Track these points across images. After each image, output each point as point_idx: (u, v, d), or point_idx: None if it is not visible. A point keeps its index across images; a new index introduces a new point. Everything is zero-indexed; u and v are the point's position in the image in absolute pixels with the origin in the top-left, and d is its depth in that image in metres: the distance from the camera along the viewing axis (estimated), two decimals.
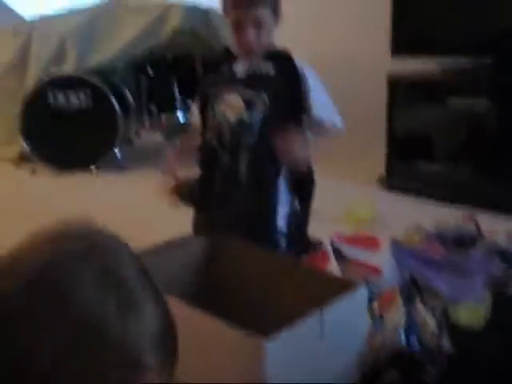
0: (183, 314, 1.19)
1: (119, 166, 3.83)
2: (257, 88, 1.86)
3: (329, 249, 1.73)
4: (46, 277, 0.58)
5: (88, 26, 3.82)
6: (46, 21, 3.96)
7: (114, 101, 3.67)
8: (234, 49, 1.97)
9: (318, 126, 1.94)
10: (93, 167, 3.75)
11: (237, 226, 1.81)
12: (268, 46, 1.91)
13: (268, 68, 1.89)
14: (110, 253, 0.63)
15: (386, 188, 3.19)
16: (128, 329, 0.58)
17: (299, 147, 1.76)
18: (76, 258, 0.60)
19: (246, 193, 1.88)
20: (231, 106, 1.86)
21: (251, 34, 1.82)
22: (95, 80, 3.67)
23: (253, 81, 1.89)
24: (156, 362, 0.60)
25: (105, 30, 3.81)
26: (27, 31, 3.94)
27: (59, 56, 3.82)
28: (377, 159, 3.35)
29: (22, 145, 3.90)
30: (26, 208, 3.10)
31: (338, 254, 1.71)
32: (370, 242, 1.79)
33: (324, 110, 1.94)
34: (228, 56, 1.97)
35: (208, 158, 1.96)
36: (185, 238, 1.68)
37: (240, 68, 1.90)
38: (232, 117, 1.85)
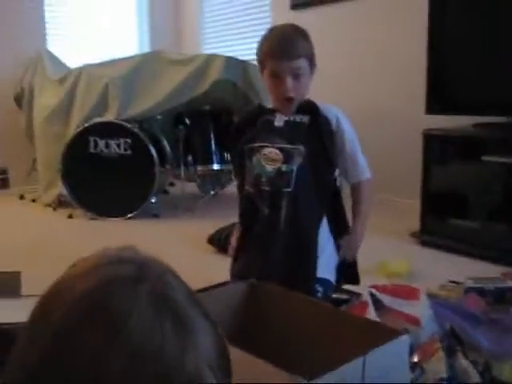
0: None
1: (153, 214, 3.89)
2: (294, 139, 1.91)
3: (368, 298, 1.71)
4: (97, 302, 0.57)
5: (130, 76, 3.95)
6: (90, 70, 4.11)
7: (152, 150, 3.75)
8: (269, 103, 2.05)
9: (353, 168, 2.00)
10: (129, 215, 3.81)
11: (275, 275, 1.83)
12: (305, 95, 1.96)
13: (303, 119, 1.94)
14: (161, 277, 0.61)
15: (419, 243, 3.17)
16: (186, 353, 0.57)
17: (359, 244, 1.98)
18: (128, 283, 0.59)
19: (285, 241, 1.90)
20: (270, 158, 1.90)
21: (290, 83, 1.87)
22: (135, 129, 3.78)
23: (290, 132, 1.93)
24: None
25: (146, 81, 3.94)
26: (73, 79, 4.11)
27: (102, 104, 3.96)
28: (411, 214, 3.35)
29: (61, 189, 3.99)
30: (59, 251, 3.15)
31: (377, 303, 1.70)
32: (410, 293, 1.77)
33: (358, 152, 2.00)
34: (263, 110, 2.04)
35: (247, 209, 2.00)
36: (224, 283, 1.69)
37: (277, 119, 1.96)
38: (270, 168, 1.90)
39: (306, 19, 4.34)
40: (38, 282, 2.81)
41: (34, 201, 4.46)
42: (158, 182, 3.82)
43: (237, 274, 1.98)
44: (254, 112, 2.08)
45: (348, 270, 2.07)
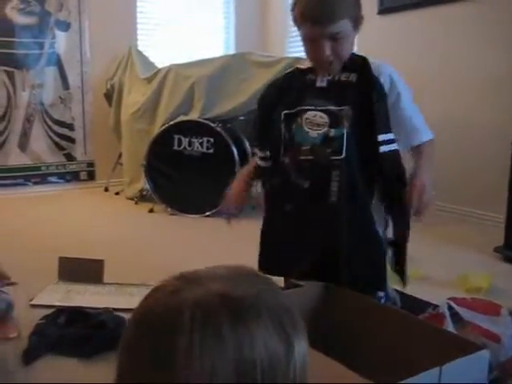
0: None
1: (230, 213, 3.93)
2: (340, 100, 1.69)
3: (445, 310, 1.67)
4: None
5: (216, 76, 4.02)
6: (177, 69, 4.21)
7: (234, 150, 3.81)
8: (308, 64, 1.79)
9: (411, 132, 1.78)
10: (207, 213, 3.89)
11: (331, 252, 1.67)
12: (347, 56, 1.72)
13: (349, 77, 1.71)
14: (277, 295, 0.64)
15: (502, 259, 3.05)
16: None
17: (428, 193, 1.62)
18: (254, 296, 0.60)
19: (338, 215, 1.68)
20: (314, 123, 1.69)
21: (327, 48, 1.63)
22: (218, 128, 3.84)
23: (335, 92, 1.71)
24: None
25: (232, 81, 4.00)
26: (161, 78, 4.24)
27: (187, 103, 4.06)
28: (496, 228, 3.23)
29: (144, 184, 4.12)
30: (139, 243, 3.26)
31: (455, 316, 1.65)
32: (490, 308, 1.71)
33: (415, 115, 1.79)
34: (301, 71, 1.79)
35: (279, 183, 1.78)
36: (298, 285, 1.69)
37: (319, 79, 1.73)
38: (315, 134, 1.69)
39: (393, 24, 4.28)
40: (118, 270, 2.94)
41: (117, 194, 4.64)
42: None
43: (273, 266, 1.77)
44: (291, 74, 1.82)
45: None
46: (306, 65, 1.79)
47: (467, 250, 3.12)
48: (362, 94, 1.68)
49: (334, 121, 1.67)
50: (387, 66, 1.78)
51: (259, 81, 3.88)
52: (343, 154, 1.66)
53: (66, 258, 2.57)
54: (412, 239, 1.78)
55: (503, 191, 3.09)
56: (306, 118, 1.69)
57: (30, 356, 1.81)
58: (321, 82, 1.72)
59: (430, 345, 1.28)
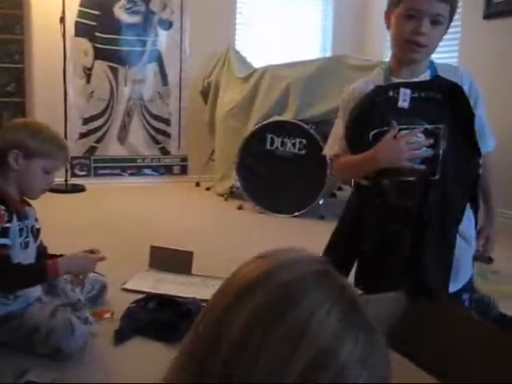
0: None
1: (319, 216, 3.93)
2: (432, 117, 1.65)
3: None
4: (291, 296, 0.56)
5: (312, 78, 4.02)
6: (274, 70, 4.26)
7: None
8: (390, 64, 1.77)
9: (484, 137, 1.75)
10: (296, 213, 3.90)
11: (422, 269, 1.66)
12: (433, 50, 1.70)
13: (436, 95, 1.66)
14: (343, 280, 0.60)
15: None
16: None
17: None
18: (316, 277, 0.58)
19: (431, 236, 1.67)
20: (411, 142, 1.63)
21: (427, 26, 1.60)
22: (311, 130, 3.85)
23: (422, 109, 1.66)
24: None
25: (327, 84, 3.98)
26: (257, 78, 4.30)
27: (281, 104, 4.09)
28: None
29: (235, 181, 4.19)
30: (227, 239, 3.32)
31: None
32: None
33: (487, 123, 1.78)
34: (382, 88, 1.72)
35: (382, 205, 1.72)
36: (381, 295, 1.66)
37: (401, 96, 1.66)
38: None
39: (499, 29, 4.11)
40: (205, 263, 3.01)
41: (208, 189, 4.74)
42: (328, 184, 3.86)
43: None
44: (369, 95, 1.73)
45: None
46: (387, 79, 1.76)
47: None
48: (451, 110, 1.65)
49: (433, 140, 1.64)
50: (465, 72, 1.76)
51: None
52: (437, 175, 1.65)
53: (158, 247, 2.66)
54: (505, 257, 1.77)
55: None
56: (394, 129, 1.64)
57: (120, 337, 1.89)
58: (403, 101, 1.66)
59: None
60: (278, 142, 3.92)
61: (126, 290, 2.38)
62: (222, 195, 4.46)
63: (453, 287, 1.71)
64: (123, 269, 2.53)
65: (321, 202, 3.95)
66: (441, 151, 1.64)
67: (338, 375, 0.52)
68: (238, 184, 4.13)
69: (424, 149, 1.64)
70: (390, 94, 1.67)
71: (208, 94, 4.84)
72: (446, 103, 1.65)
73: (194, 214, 4.04)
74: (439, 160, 1.64)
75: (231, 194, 4.41)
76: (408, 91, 1.66)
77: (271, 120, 4.01)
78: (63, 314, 1.79)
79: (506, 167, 3.43)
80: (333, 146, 1.89)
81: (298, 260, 0.61)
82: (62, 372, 1.68)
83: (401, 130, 1.64)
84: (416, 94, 1.66)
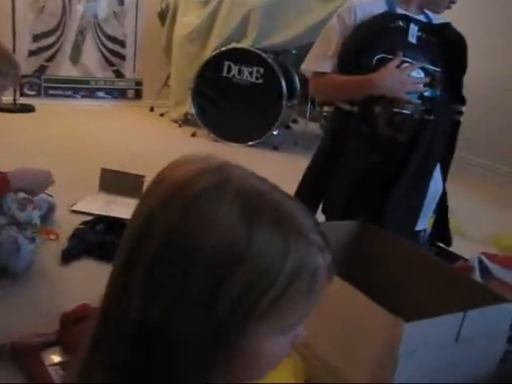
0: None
1: (273, 146, 3.95)
2: (433, 61, 1.65)
3: (475, 263, 1.67)
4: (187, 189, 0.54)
5: (273, 6, 3.94)
6: None
7: (283, 83, 3.77)
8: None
9: None
10: (250, 143, 3.90)
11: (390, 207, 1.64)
12: None
13: (440, 35, 1.67)
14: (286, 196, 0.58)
15: None
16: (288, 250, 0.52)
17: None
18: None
19: (414, 175, 1.67)
20: (412, 77, 1.62)
21: None
22: (270, 59, 3.80)
23: (426, 50, 1.66)
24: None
25: (289, 12, 3.92)
26: (217, 3, 4.17)
27: (241, 31, 4.01)
28: None
29: (190, 107, 4.13)
30: None
31: (484, 270, 1.65)
32: None
33: None
34: (392, 16, 1.67)
35: (369, 133, 1.67)
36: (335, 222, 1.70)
37: (411, 30, 1.64)
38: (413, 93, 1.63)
39: None
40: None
41: (162, 115, 4.67)
42: (283, 115, 3.85)
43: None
44: (380, 16, 1.66)
45: (440, 229, 1.84)
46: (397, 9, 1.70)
47: (503, 209, 3.08)
48: (451, 58, 1.67)
49: (430, 80, 1.64)
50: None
51: (317, 15, 3.79)
52: (432, 116, 1.65)
53: (108, 170, 2.63)
54: (456, 196, 1.79)
55: None
56: (399, 56, 1.61)
57: (67, 256, 1.89)
58: (412, 38, 1.64)
59: (457, 291, 1.30)
60: (235, 69, 3.86)
61: (74, 211, 2.36)
62: (176, 121, 4.40)
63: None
64: (73, 191, 2.51)
65: (275, 133, 3.95)
66: (438, 93, 1.65)
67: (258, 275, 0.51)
68: (193, 111, 4.07)
69: (423, 86, 1.63)
70: (400, 23, 1.64)
71: (166, 16, 4.68)
72: (447, 51, 1.67)
73: (147, 139, 3.99)
74: (435, 101, 1.65)
75: (185, 121, 4.35)
76: (416, 28, 1.65)
77: (229, 47, 3.93)
78: (8, 233, 1.77)
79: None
80: (318, 63, 1.73)
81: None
82: (7, 287, 1.69)
83: (404, 61, 1.62)
84: (422, 34, 1.65)
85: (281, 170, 3.45)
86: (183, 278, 0.51)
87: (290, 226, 0.54)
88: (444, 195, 1.81)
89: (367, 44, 1.64)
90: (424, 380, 1.14)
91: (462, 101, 1.75)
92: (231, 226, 0.51)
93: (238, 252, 0.51)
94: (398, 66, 1.60)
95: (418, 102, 1.63)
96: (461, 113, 1.77)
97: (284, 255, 0.52)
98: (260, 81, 3.81)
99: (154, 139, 4.00)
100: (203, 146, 3.87)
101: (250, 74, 3.82)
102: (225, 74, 3.89)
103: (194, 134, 4.11)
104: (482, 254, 1.81)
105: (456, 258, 2.04)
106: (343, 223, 1.62)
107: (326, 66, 1.70)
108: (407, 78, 1.60)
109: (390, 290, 1.40)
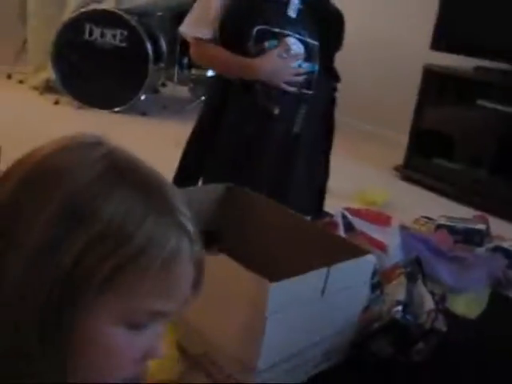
0: None
1: (141, 112, 3.85)
2: (312, 34, 1.65)
3: (339, 219, 1.73)
4: (43, 165, 0.51)
5: None
6: None
7: (148, 46, 3.66)
8: None
9: None
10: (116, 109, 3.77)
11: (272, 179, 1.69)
12: None
13: (321, 10, 1.68)
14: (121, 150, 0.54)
15: (401, 177, 3.20)
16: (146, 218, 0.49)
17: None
18: (82, 146, 0.52)
19: (298, 146, 1.70)
20: (291, 51, 1.62)
21: None
22: (133, 22, 3.66)
23: (305, 23, 1.65)
24: None
25: None
26: None
27: None
28: (399, 148, 3.36)
29: (51, 73, 3.90)
30: (40, 134, 3.11)
31: (347, 224, 1.72)
32: (382, 220, 1.80)
33: None
34: None
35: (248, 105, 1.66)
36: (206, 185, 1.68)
37: (292, 3, 1.62)
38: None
39: None
40: (15, 158, 2.81)
41: (21, 82, 4.38)
42: (150, 79, 3.76)
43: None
44: None
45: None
46: None
47: (369, 167, 3.24)
48: (328, 34, 1.68)
49: (309, 54, 1.64)
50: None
51: None
52: (312, 91, 1.66)
53: None
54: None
55: (409, 113, 3.20)
56: (286, 44, 1.61)
57: None
58: (292, 11, 1.63)
59: (321, 248, 1.34)
60: (97, 32, 3.69)
61: None
62: (36, 89, 4.15)
63: None
64: None
65: (143, 98, 3.85)
66: (316, 67, 1.66)
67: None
68: (54, 77, 3.85)
69: (301, 62, 1.64)
70: None
71: None
72: (325, 26, 1.67)
73: (5, 108, 3.71)
74: (314, 76, 1.65)
75: (47, 88, 4.11)
76: (296, 1, 1.64)
77: (89, 8, 3.74)
78: None
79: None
80: (198, 28, 1.68)
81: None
82: None
83: (287, 34, 1.61)
84: (303, 7, 1.64)
85: (150, 135, 3.39)
86: (28, 226, 0.47)
87: (157, 197, 0.51)
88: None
89: (247, 14, 1.61)
90: (292, 336, 1.17)
91: (337, 77, 1.77)
92: (90, 182, 0.48)
93: (90, 208, 0.47)
94: (279, 37, 1.60)
95: (294, 89, 1.64)
96: (335, 89, 1.80)
97: (140, 222, 0.48)
98: (124, 44, 3.67)
99: (13, 108, 3.74)
100: (67, 114, 3.69)
101: (114, 36, 3.67)
102: (86, 38, 3.70)
103: (56, 102, 3.90)
104: (346, 209, 1.87)
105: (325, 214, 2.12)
106: (210, 186, 1.61)
107: (206, 33, 1.65)
108: (288, 70, 1.61)
109: (257, 251, 1.42)
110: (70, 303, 0.46)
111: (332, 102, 1.82)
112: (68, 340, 0.47)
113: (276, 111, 1.63)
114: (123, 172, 0.50)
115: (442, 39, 3.13)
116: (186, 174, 1.74)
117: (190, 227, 0.52)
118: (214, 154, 1.71)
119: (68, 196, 0.47)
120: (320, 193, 1.96)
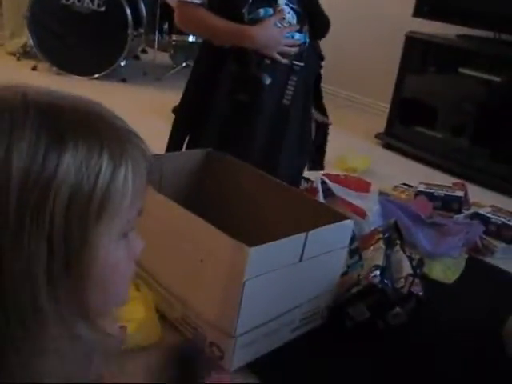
0: (177, 214, 1.21)
1: (121, 78, 3.79)
2: (299, 3, 1.62)
3: (318, 185, 1.74)
4: None
5: None
6: None
7: (127, 11, 3.58)
8: None
9: None
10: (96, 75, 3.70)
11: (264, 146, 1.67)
12: None
13: None
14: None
15: (382, 145, 3.20)
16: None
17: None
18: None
19: (288, 116, 1.69)
20: (285, 21, 1.59)
21: None
22: None
23: None
24: None
25: None
26: None
27: None
28: (381, 116, 3.36)
29: (28, 39, 3.81)
30: None
31: (327, 191, 1.73)
32: (361, 186, 1.81)
33: None
34: None
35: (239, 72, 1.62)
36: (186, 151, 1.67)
37: None
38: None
39: None
40: None
41: None
42: (130, 45, 3.68)
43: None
44: None
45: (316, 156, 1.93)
46: None
47: (350, 134, 3.23)
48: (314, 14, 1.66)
49: (301, 25, 1.62)
50: None
51: None
52: (303, 62, 1.64)
53: None
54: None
55: (391, 82, 3.18)
56: (280, 12, 1.57)
57: None
58: None
59: (301, 213, 1.34)
60: None
61: None
62: (13, 54, 4.04)
63: None
64: None
65: (122, 64, 3.78)
66: (307, 39, 1.64)
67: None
68: (32, 42, 3.76)
69: (293, 33, 1.62)
70: None
71: None
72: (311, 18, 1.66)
73: None
74: (305, 47, 1.64)
75: (24, 54, 4.01)
76: None
77: None
78: None
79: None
80: None
81: None
82: None
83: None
84: None
85: (130, 102, 3.34)
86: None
87: (106, 133, 0.52)
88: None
89: None
90: (271, 301, 1.18)
91: (321, 56, 1.78)
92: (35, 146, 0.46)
93: (49, 170, 0.47)
94: (274, 6, 1.57)
95: (286, 60, 1.62)
96: (321, 66, 1.81)
97: (97, 159, 0.49)
98: (103, 8, 3.58)
99: None
100: (45, 80, 3.61)
101: (92, 1, 3.58)
102: (64, 1, 3.59)
103: (34, 68, 3.81)
104: (324, 175, 1.88)
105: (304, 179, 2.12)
106: (191, 152, 1.60)
107: None
108: (283, 40, 1.58)
109: (237, 216, 1.42)
110: (78, 241, 0.48)
111: (318, 77, 1.82)
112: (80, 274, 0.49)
113: (267, 81, 1.61)
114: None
115: (425, 6, 3.11)
116: (177, 144, 1.71)
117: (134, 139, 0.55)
118: (205, 123, 1.67)
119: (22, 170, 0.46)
120: (318, 149, 1.93)
